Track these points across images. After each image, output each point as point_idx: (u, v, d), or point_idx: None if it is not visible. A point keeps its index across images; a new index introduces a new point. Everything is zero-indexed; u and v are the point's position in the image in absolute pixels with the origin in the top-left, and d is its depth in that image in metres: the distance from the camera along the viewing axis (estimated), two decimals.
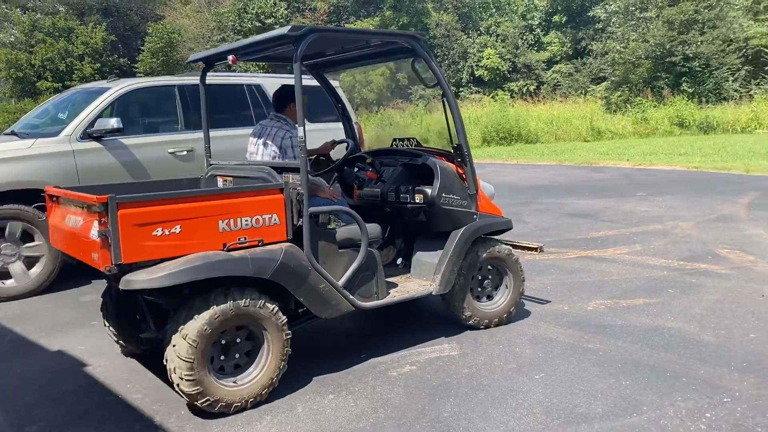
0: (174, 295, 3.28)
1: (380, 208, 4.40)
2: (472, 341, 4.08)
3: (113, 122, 5.84)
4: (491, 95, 33.84)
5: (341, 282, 3.59)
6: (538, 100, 33.08)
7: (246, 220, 3.27)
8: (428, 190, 4.03)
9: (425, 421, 3.08)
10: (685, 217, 7.92)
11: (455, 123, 4.03)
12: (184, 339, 3.04)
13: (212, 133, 4.63)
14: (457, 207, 4.10)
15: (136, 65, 29.80)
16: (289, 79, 7.56)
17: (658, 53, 27.83)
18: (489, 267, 4.29)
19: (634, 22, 29.46)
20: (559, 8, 42.26)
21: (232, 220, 3.22)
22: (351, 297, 3.61)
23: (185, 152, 6.39)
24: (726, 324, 4.18)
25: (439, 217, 4.10)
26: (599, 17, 31.96)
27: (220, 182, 4.06)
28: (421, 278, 4.16)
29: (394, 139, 4.63)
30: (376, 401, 3.31)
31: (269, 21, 30.31)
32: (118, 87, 6.26)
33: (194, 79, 6.81)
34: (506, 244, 4.38)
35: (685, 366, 3.56)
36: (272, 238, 3.36)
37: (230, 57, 3.73)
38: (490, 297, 4.34)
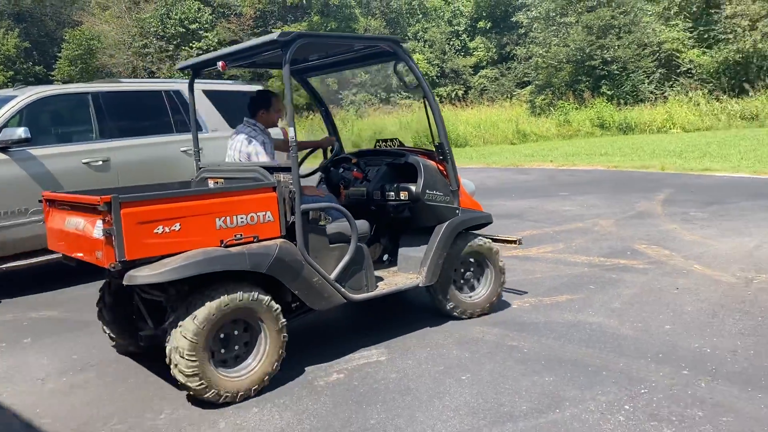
0: (173, 291, 3.40)
1: (366, 207, 4.53)
2: (400, 345, 4.06)
3: (20, 132, 5.54)
4: (420, 100, 34.11)
5: (333, 275, 3.77)
6: (467, 105, 33.61)
7: (241, 218, 3.44)
8: (412, 188, 4.20)
9: (351, 430, 3.03)
10: (605, 215, 8.19)
11: (436, 123, 4.22)
12: (185, 336, 3.16)
13: (130, 142, 4.48)
14: (440, 203, 4.28)
15: (52, 73, 28.53)
16: (215, 85, 7.46)
17: (579, 57, 28.83)
18: (471, 260, 4.47)
19: (555, 28, 30.42)
20: (484, 14, 43.19)
21: (228, 218, 3.40)
22: (343, 290, 3.79)
23: (100, 162, 6.12)
24: (643, 317, 4.33)
25: (423, 212, 4.28)
26: (522, 23, 32.85)
27: (210, 184, 4.13)
28: (408, 272, 4.32)
29: (378, 140, 4.87)
30: (301, 413, 3.24)
31: (193, 26, 29.67)
32: (26, 95, 5.94)
33: (109, 86, 6.56)
34: (487, 238, 4.56)
35: (605, 360, 3.66)
36: (266, 235, 3.53)
37: (220, 63, 3.91)
38: (472, 288, 4.53)
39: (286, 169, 3.71)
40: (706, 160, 13.59)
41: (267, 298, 3.43)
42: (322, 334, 4.40)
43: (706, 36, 29.00)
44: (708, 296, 4.67)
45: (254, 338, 3.46)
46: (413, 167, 4.29)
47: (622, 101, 27.73)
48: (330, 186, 4.81)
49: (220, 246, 3.36)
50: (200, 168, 4.42)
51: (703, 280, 5.09)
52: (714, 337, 3.87)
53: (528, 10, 32.51)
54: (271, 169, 3.75)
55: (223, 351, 3.36)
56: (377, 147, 4.84)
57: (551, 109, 28.33)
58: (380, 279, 4.20)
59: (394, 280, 4.23)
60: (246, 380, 3.37)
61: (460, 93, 36.30)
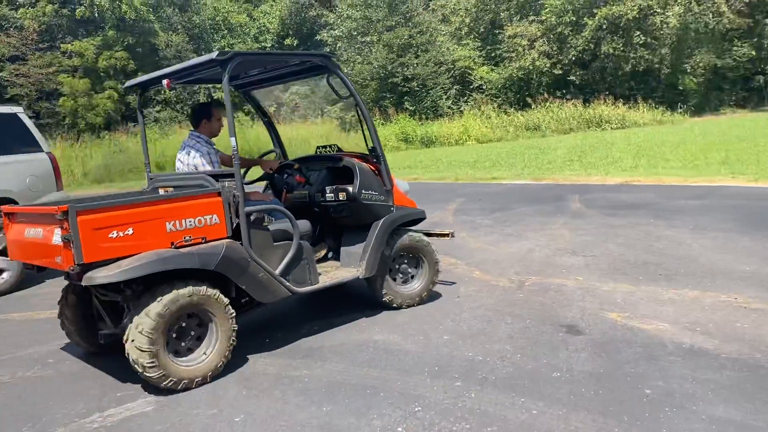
0: (129, 291, 3.64)
1: (310, 209, 4.89)
2: (171, 392, 3.68)
3: None
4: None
5: (278, 271, 4.09)
6: (278, 122, 33.35)
7: (190, 221, 3.72)
8: (350, 188, 4.54)
9: None
10: None
11: (369, 129, 4.64)
12: (140, 331, 3.42)
13: None
14: (376, 201, 4.66)
15: None
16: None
17: (382, 75, 29.94)
18: (406, 254, 4.85)
19: (358, 46, 31.35)
20: (291, 31, 43.24)
21: (177, 222, 3.67)
22: (287, 284, 4.12)
23: None
24: (425, 329, 4.38)
25: (360, 211, 4.64)
26: (326, 41, 33.40)
27: (161, 192, 4.23)
28: (349, 266, 4.65)
29: (318, 147, 5.19)
30: None
31: None
32: None
33: None
34: (421, 233, 4.98)
35: (384, 380, 3.60)
36: (214, 236, 3.82)
37: (165, 81, 4.09)
38: (406, 281, 4.90)
39: (231, 176, 4.01)
40: (495, 169, 14.66)
41: (215, 292, 3.71)
42: (74, 382, 3.88)
43: (493, 54, 31.60)
44: (485, 302, 4.87)
45: (206, 330, 3.75)
46: (350, 170, 4.64)
47: (423, 116, 29.25)
48: (275, 191, 5.16)
49: (171, 247, 3.63)
50: (150, 178, 4.70)
51: (483, 286, 5.33)
52: (487, 344, 4.00)
53: (331, 29, 33.14)
54: (218, 177, 4.07)
55: (177, 343, 3.66)
56: (318, 152, 5.17)
57: (359, 125, 29.09)
58: (324, 273, 4.54)
59: (337, 273, 4.57)
60: (201, 368, 3.68)
61: (271, 110, 35.90)
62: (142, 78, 4.51)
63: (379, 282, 4.70)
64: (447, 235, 5.34)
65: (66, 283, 4.21)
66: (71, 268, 3.38)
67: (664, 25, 27.46)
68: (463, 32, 33.71)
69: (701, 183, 10.37)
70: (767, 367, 3.37)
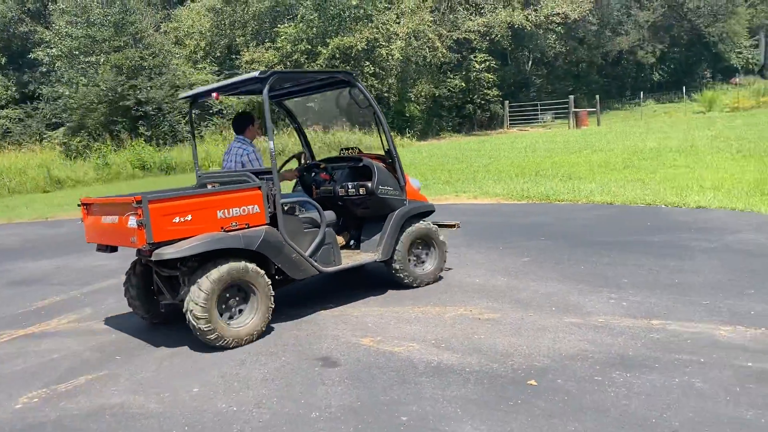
0: (185, 267, 4.54)
1: (334, 202, 5.64)
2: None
3: None
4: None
5: (308, 252, 4.92)
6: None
7: (236, 210, 4.59)
8: (369, 184, 5.34)
9: None
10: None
11: (385, 134, 5.52)
12: (197, 301, 4.29)
13: None
14: (391, 196, 5.50)
15: None
16: None
17: (111, 97, 27.71)
18: (419, 240, 5.64)
19: (81, 66, 28.64)
20: None
21: (226, 210, 4.56)
22: (315, 264, 4.94)
23: None
24: (171, 384, 3.94)
25: (378, 204, 5.47)
26: (42, 59, 29.97)
27: (209, 187, 5.08)
28: (369, 251, 5.48)
29: (341, 149, 6.00)
30: None
31: None
32: None
33: None
34: (432, 223, 5.79)
35: None
36: (255, 223, 4.67)
37: (214, 94, 5.08)
38: (419, 264, 5.69)
39: (269, 173, 4.89)
40: None
41: (256, 268, 4.53)
42: None
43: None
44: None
45: (249, 300, 4.55)
46: (369, 168, 5.45)
47: (162, 141, 27.72)
48: (304, 187, 6.04)
49: (221, 231, 4.46)
50: (199, 176, 5.66)
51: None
52: (241, 391, 3.72)
53: (48, 47, 29.82)
54: (258, 174, 4.92)
55: (227, 309, 4.48)
56: (341, 154, 5.96)
57: (88, 151, 26.51)
58: (346, 257, 5.33)
59: (358, 257, 5.42)
60: (247, 329, 4.48)
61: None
62: (194, 91, 5.57)
63: (400, 265, 5.46)
64: (453, 226, 6.13)
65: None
66: (144, 246, 4.27)
67: (390, 57, 29.84)
68: (198, 56, 32.85)
69: (431, 202, 11.30)
70: (503, 376, 3.64)
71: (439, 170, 15.96)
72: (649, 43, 42.20)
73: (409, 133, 31.06)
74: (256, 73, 4.80)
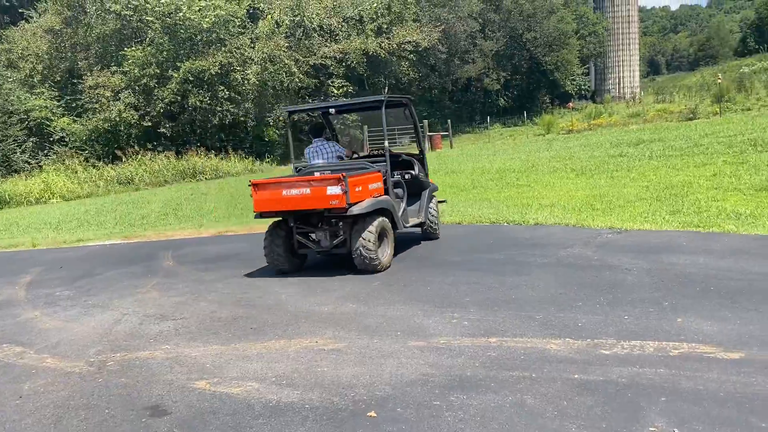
0: (349, 220, 6.91)
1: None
2: None
3: None
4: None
5: (399, 214, 7.59)
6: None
7: (375, 185, 7.14)
8: (413, 171, 8.16)
9: None
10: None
11: (420, 142, 8.75)
12: (368, 240, 6.70)
13: None
14: (423, 179, 8.33)
15: None
16: None
17: None
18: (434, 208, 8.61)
19: None
20: None
21: (372, 184, 7.07)
22: (401, 221, 7.62)
23: None
24: None
25: (417, 185, 8.24)
26: None
27: (316, 174, 7.26)
28: (413, 216, 8.12)
29: (372, 151, 9.67)
30: None
31: None
32: None
33: None
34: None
35: None
36: (381, 193, 7.26)
37: (332, 110, 8.14)
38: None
39: (379, 161, 7.73)
40: (82, 229, 13.31)
41: (388, 220, 7.20)
42: None
43: (74, 105, 29.27)
44: (55, 398, 4.11)
45: (383, 241, 7.03)
46: (408, 162, 8.31)
47: None
48: None
49: (372, 198, 7.00)
50: (297, 168, 7.95)
51: (55, 377, 4.53)
52: None
53: None
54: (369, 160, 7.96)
55: (378, 246, 6.86)
56: (372, 152, 9.58)
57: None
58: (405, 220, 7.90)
59: (411, 220, 8.01)
60: (386, 259, 7.03)
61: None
62: (305, 106, 8.52)
63: (432, 224, 8.42)
64: (444, 201, 10.10)
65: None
66: (344, 207, 6.53)
67: (245, 82, 29.35)
68: (35, 80, 30.42)
69: None
70: (343, 410, 3.54)
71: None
72: (494, 71, 44.99)
73: (268, 157, 30.62)
74: (381, 97, 7.59)
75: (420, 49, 36.11)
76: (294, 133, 9.40)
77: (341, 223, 6.97)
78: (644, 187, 11.73)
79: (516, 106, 48.92)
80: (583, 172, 15.16)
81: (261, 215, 7.07)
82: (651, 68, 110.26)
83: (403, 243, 8.58)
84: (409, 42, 34.98)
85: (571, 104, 52.44)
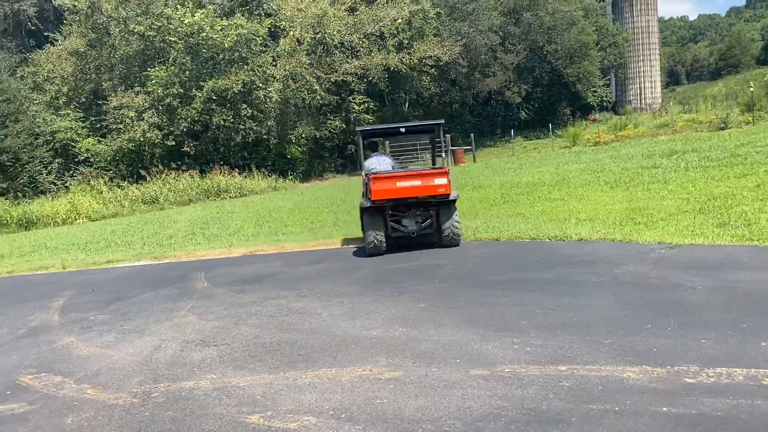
0: (434, 206, 9.09)
1: None
2: None
3: None
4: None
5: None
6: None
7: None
8: None
9: None
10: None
11: (446, 159, 11.57)
12: (457, 221, 9.10)
13: None
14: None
15: None
16: None
17: None
18: None
19: None
20: None
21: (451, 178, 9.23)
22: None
23: None
24: None
25: None
26: None
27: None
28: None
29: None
30: None
31: None
32: None
33: None
34: None
35: None
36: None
37: (402, 129, 10.02)
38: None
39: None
40: (110, 250, 13.21)
41: None
42: None
43: (99, 125, 29.50)
44: None
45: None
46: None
47: (20, 194, 25.47)
48: None
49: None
50: (370, 172, 9.47)
51: (98, 408, 4.30)
52: None
53: None
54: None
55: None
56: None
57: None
58: None
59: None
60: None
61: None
62: (377, 126, 11.10)
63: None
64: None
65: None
66: (449, 194, 8.73)
67: (268, 99, 29.39)
68: (61, 102, 30.75)
69: (319, 247, 10.89)
70: None
71: (326, 212, 15.61)
72: (515, 84, 44.72)
73: (291, 175, 30.54)
74: (441, 121, 9.96)
75: (441, 63, 35.98)
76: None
77: (430, 210, 9.15)
78: (684, 199, 11.34)
79: (537, 118, 48.56)
80: (618, 185, 14.78)
81: (374, 203, 8.87)
82: (671, 78, 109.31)
83: (436, 259, 8.30)
84: (430, 57, 34.89)
85: (592, 116, 51.96)
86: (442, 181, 8.71)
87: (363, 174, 9.82)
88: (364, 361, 4.68)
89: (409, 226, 9.20)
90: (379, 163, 9.85)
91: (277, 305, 6.82)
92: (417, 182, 8.75)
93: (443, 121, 10.03)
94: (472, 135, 35.10)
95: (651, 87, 57.38)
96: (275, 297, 7.24)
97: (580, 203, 12.90)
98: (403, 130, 10.00)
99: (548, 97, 49.43)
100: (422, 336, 5.14)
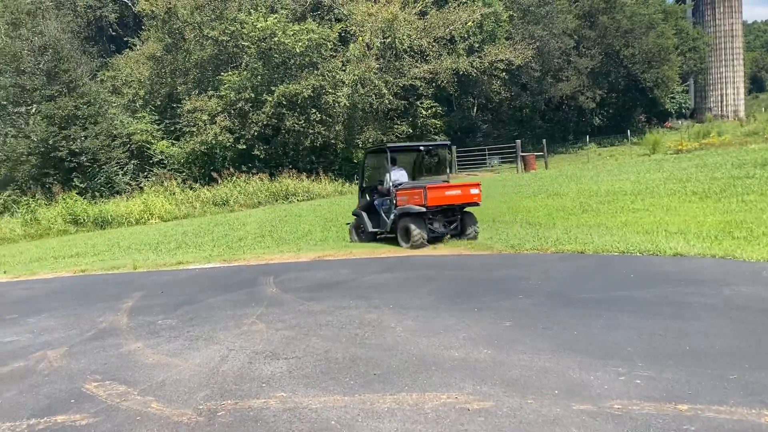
0: (459, 211, 11.20)
1: None
2: None
3: None
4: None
5: None
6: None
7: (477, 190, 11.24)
8: None
9: None
10: (58, 342, 6.51)
11: (451, 171, 16.80)
12: (477, 223, 11.35)
13: None
14: None
15: None
16: None
17: (43, 149, 26.19)
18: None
19: (10, 117, 27.05)
20: None
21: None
22: None
23: None
24: None
25: None
26: None
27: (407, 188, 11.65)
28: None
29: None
30: None
31: None
32: None
33: None
34: None
35: None
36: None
37: (422, 147, 12.15)
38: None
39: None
40: (181, 251, 13.23)
41: None
42: None
43: (172, 128, 30.14)
44: None
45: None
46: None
47: (97, 194, 26.26)
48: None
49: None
50: (400, 184, 11.61)
51: (161, 425, 4.00)
52: None
53: None
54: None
55: None
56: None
57: (16, 207, 24.74)
58: None
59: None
60: None
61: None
62: (398, 144, 14.32)
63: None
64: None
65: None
66: (479, 202, 11.02)
67: (336, 104, 29.34)
68: (137, 104, 31.66)
69: (387, 255, 10.49)
70: None
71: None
72: (589, 89, 43.23)
73: (357, 179, 30.35)
74: (447, 141, 14.65)
75: (512, 67, 35.11)
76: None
77: (456, 215, 11.14)
78: None
79: (611, 125, 46.84)
80: (707, 195, 13.78)
81: (429, 208, 10.51)
82: (754, 85, 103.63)
83: (516, 271, 7.73)
84: (501, 60, 34.06)
85: (669, 123, 49.73)
86: (476, 191, 10.89)
87: (388, 184, 11.47)
88: (447, 386, 4.21)
89: (438, 229, 10.98)
90: (401, 175, 11.69)
91: (348, 316, 6.43)
92: (458, 191, 10.87)
93: (449, 142, 14.49)
94: (544, 141, 34.05)
95: (734, 93, 54.41)
96: (346, 307, 6.86)
97: (667, 214, 12.04)
98: (422, 148, 12.05)
99: (623, 102, 47.60)
100: (511, 360, 4.62)
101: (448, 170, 13.98)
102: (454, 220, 11.14)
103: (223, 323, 6.64)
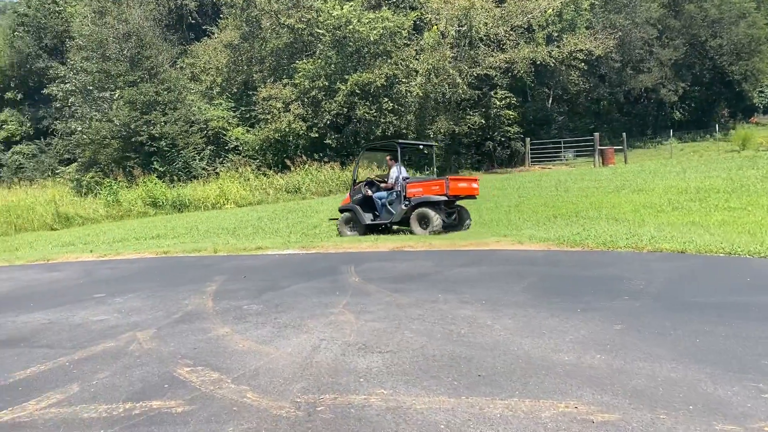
0: (455, 204, 12.97)
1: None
2: None
3: None
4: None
5: None
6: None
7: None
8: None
9: None
10: (146, 323, 6.52)
11: (434, 169, 16.20)
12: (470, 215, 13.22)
13: None
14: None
15: None
16: None
17: (125, 133, 27.05)
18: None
19: (95, 102, 28.06)
20: (13, 84, 37.88)
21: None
22: None
23: None
24: None
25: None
26: (56, 95, 29.48)
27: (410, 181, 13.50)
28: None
29: (376, 176, 14.45)
30: None
31: None
32: None
33: None
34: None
35: None
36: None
37: (423, 148, 15.38)
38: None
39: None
40: (258, 236, 13.29)
41: None
42: None
43: (248, 115, 30.58)
44: None
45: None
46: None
47: (175, 178, 26.94)
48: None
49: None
50: (406, 178, 13.20)
51: (259, 419, 3.84)
52: None
53: (62, 83, 29.34)
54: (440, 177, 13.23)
55: None
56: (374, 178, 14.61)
57: (99, 188, 25.70)
58: None
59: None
60: None
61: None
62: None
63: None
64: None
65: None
66: (476, 196, 13.04)
67: (408, 94, 29.04)
68: (215, 92, 32.29)
69: (470, 247, 10.16)
70: None
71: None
72: (671, 81, 41.31)
73: (428, 170, 30.03)
74: (433, 142, 16.53)
75: (592, 57, 33.87)
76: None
77: (454, 207, 12.66)
78: None
79: (692, 119, 44.69)
80: None
81: (449, 197, 12.04)
82: None
83: (614, 270, 7.26)
84: (581, 50, 32.89)
85: (754, 118, 47.02)
86: (476, 185, 12.78)
87: (392, 179, 12.85)
88: (563, 393, 3.88)
89: (445, 219, 12.29)
90: (404, 170, 13.11)
91: (439, 311, 6.16)
92: (465, 184, 12.57)
93: (435, 143, 16.83)
94: (623, 134, 32.74)
95: None
96: (434, 300, 6.59)
97: None
98: (422, 146, 14.82)
99: (706, 96, 45.33)
100: (630, 368, 4.23)
101: (434, 167, 16.20)
102: (453, 212, 12.66)
103: (310, 311, 6.50)
